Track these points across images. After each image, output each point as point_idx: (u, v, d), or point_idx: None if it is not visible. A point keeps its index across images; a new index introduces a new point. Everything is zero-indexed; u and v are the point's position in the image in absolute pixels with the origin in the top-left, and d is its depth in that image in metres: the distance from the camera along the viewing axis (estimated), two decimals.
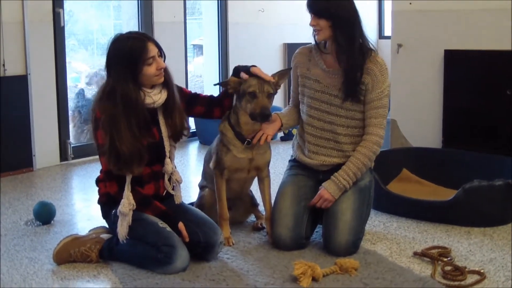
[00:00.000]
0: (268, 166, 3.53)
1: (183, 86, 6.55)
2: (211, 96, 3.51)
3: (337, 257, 3.16)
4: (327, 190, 3.31)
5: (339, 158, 3.42)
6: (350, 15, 3.29)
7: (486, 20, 4.74)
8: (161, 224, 3.09)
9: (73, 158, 5.71)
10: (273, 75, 3.35)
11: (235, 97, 3.38)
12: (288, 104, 3.71)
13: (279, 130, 3.51)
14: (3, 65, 5.05)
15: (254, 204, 3.79)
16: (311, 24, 3.32)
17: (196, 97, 3.45)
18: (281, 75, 3.40)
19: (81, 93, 6.72)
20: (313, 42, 3.46)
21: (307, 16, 3.35)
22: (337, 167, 3.38)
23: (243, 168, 3.43)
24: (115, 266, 3.14)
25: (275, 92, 3.32)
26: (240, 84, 3.31)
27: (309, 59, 3.48)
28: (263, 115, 3.23)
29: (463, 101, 4.87)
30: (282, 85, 3.48)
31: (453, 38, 4.91)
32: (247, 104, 3.27)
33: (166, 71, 3.19)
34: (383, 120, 3.37)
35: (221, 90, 3.50)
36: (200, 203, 3.65)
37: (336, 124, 3.40)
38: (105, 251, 3.20)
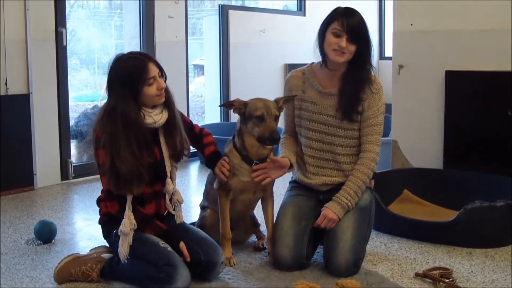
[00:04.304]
0: (272, 186, 3.53)
1: (184, 106, 6.63)
2: (197, 134, 3.54)
3: (338, 277, 3.15)
4: (331, 209, 3.30)
5: (339, 178, 3.43)
6: (370, 42, 3.36)
7: (488, 41, 4.76)
8: (162, 243, 3.08)
9: (74, 177, 5.71)
10: (278, 99, 3.36)
11: (238, 119, 3.38)
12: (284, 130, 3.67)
13: (288, 170, 3.50)
14: (6, 83, 5.07)
15: (255, 224, 3.79)
16: (341, 45, 3.25)
17: (191, 129, 3.49)
18: (286, 100, 3.40)
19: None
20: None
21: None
22: (337, 187, 3.39)
23: (249, 189, 3.42)
24: (116, 285, 3.13)
25: (279, 115, 3.33)
26: (245, 105, 3.31)
27: (303, 82, 3.48)
28: (272, 139, 3.22)
29: (464, 122, 4.88)
30: None
31: (454, 59, 4.93)
32: (254, 127, 3.25)
33: (167, 91, 3.18)
34: (379, 137, 3.39)
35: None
36: (201, 223, 3.64)
37: (335, 144, 3.41)
38: (106, 270, 3.19)
